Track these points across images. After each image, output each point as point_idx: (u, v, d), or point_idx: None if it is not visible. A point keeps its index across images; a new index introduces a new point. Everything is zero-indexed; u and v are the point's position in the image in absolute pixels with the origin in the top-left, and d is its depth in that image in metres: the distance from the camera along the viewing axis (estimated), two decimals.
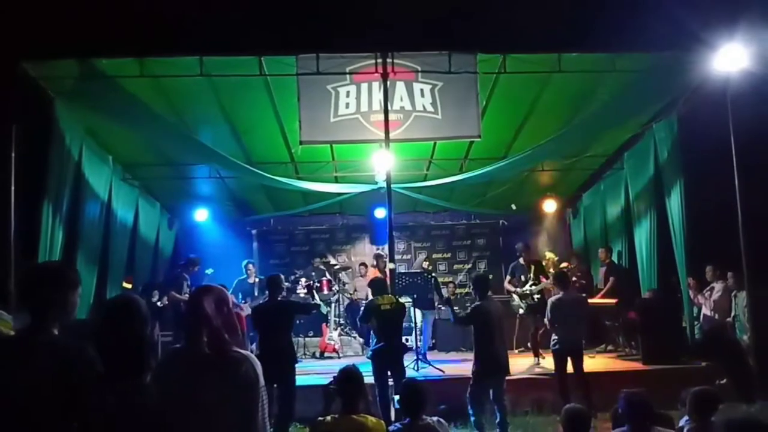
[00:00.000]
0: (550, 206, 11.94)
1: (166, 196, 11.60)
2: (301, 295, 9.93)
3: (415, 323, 9.45)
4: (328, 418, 3.73)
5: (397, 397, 4.47)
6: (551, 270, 9.36)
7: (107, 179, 9.19)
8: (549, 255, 10.01)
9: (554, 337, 7.02)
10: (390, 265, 8.40)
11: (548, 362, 8.33)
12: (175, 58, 7.01)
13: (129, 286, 9.96)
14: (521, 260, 9.55)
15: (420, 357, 8.59)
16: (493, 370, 6.11)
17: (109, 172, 9.24)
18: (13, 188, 6.75)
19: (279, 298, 6.41)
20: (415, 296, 8.69)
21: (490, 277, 12.55)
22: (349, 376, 3.88)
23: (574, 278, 9.70)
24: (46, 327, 2.36)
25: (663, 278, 9.32)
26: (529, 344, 9.31)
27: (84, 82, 7.00)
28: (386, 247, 9.84)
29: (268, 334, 6.10)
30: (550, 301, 7.23)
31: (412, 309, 9.32)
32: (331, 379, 3.94)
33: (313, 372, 8.04)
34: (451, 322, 7.27)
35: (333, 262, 12.06)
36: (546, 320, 7.30)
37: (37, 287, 2.43)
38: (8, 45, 6.24)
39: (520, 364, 8.36)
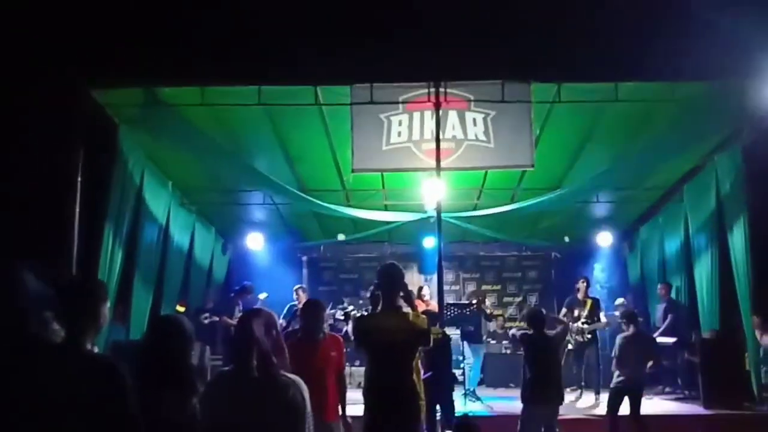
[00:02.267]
0: (605, 239, 11.63)
1: (220, 222, 11.88)
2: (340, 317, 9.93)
3: (464, 356, 9.31)
4: (369, 314, 4.08)
5: None
6: None
7: (166, 204, 9.48)
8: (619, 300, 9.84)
9: (617, 374, 6.83)
10: (426, 298, 8.26)
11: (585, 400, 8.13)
12: (234, 88, 7.23)
13: (182, 309, 10.17)
14: (579, 295, 9.31)
15: (468, 392, 8.41)
16: (541, 398, 5.91)
17: (168, 197, 9.53)
18: (77, 211, 7.02)
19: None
20: (463, 328, 8.57)
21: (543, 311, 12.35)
22: (386, 272, 4.21)
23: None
24: (81, 341, 2.40)
25: (725, 317, 8.87)
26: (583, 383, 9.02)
27: (147, 110, 7.29)
28: (434, 277, 9.79)
29: None
30: (619, 337, 7.04)
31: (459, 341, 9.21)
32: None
33: (359, 402, 7.95)
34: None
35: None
36: (612, 357, 7.10)
37: (69, 301, 2.48)
38: (78, 72, 6.55)
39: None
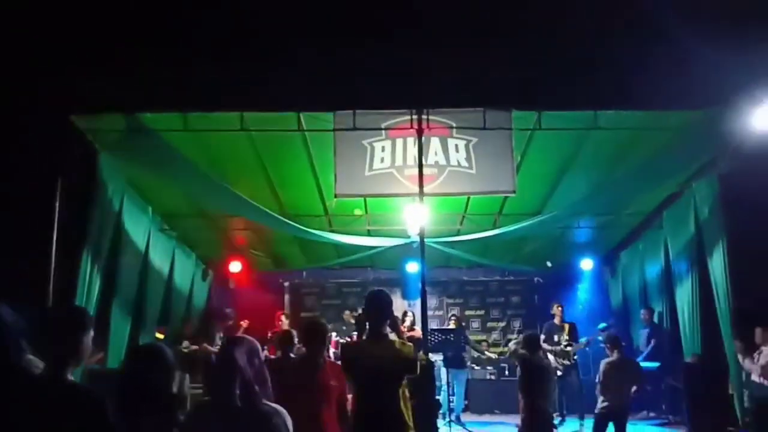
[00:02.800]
0: (586, 264, 11.71)
1: (201, 247, 11.75)
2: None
3: (448, 382, 9.24)
4: (357, 341, 3.98)
5: None
6: None
7: (146, 229, 9.37)
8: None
9: (601, 399, 6.82)
10: (408, 324, 8.23)
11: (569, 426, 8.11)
12: (217, 113, 7.21)
13: (161, 336, 9.99)
14: (556, 320, 9.35)
15: (453, 418, 8.33)
16: (531, 421, 5.89)
17: (148, 223, 9.43)
18: (55, 237, 6.91)
19: (293, 354, 6.37)
20: (448, 354, 8.53)
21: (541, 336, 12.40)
22: (374, 298, 4.09)
23: None
24: (62, 372, 2.34)
25: (707, 341, 8.93)
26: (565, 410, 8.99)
27: (128, 136, 7.24)
28: (418, 302, 9.76)
29: None
30: (603, 362, 7.05)
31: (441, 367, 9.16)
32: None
33: None
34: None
35: None
36: (597, 382, 7.09)
37: (50, 331, 2.43)
38: (59, 99, 6.50)
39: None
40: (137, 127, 7.21)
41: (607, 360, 7.04)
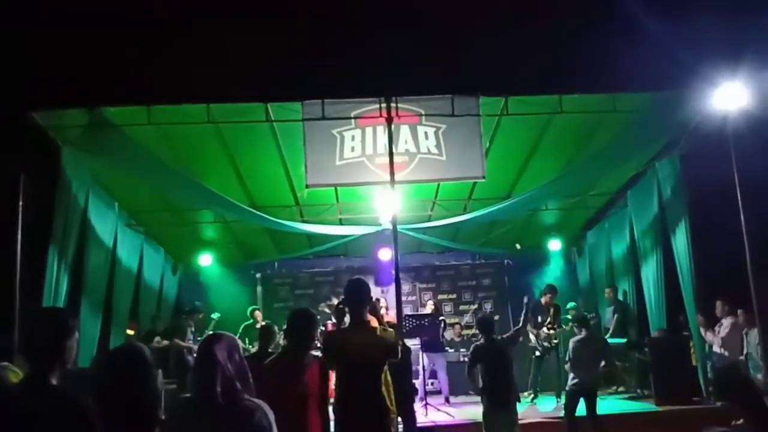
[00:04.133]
0: (554, 245, 11.92)
1: (170, 242, 11.60)
2: None
3: (423, 367, 9.37)
4: (339, 329, 3.99)
5: None
6: None
7: (113, 226, 9.20)
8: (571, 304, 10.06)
9: (571, 377, 6.98)
10: (383, 312, 8.35)
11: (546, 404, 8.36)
12: (182, 106, 7.10)
13: (132, 332, 9.87)
14: (543, 300, 9.45)
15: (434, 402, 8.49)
16: (499, 402, 5.99)
17: (114, 219, 9.26)
18: (20, 235, 6.75)
19: (270, 350, 6.38)
20: (424, 339, 8.63)
21: (496, 318, 12.53)
22: (354, 287, 4.14)
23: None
24: (45, 377, 2.31)
25: (672, 316, 9.23)
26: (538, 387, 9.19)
27: (91, 131, 7.08)
28: (391, 288, 9.82)
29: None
30: (571, 341, 7.20)
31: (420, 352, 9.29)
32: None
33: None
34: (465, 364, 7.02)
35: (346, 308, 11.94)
36: (567, 360, 7.26)
37: (34, 335, 2.39)
38: (17, 95, 6.34)
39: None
40: (100, 121, 7.07)
41: (575, 338, 7.20)
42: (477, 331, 10.29)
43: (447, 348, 10.16)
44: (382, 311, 9.59)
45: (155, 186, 8.78)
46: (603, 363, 7.43)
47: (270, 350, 6.26)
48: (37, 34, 5.95)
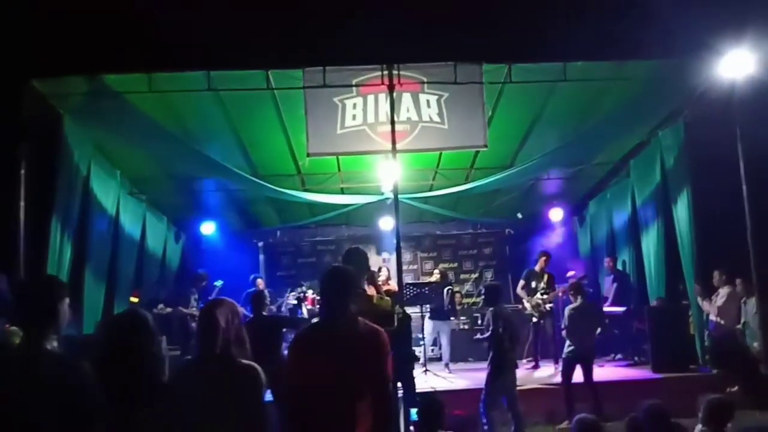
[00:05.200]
0: (556, 214, 11.95)
1: (173, 210, 11.64)
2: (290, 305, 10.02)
3: (423, 335, 9.51)
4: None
5: (414, 410, 4.52)
6: None
7: (115, 194, 9.22)
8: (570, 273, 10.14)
9: (568, 344, 7.08)
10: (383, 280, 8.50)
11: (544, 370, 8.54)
12: (182, 73, 7.04)
13: (136, 300, 9.97)
14: (537, 267, 9.54)
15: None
16: (507, 368, 6.14)
17: (117, 187, 9.28)
18: (22, 205, 6.77)
19: (264, 313, 6.47)
20: (432, 307, 8.80)
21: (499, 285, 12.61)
22: (351, 255, 4.14)
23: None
24: (42, 341, 2.36)
25: (671, 286, 9.29)
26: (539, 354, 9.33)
27: (92, 99, 7.04)
28: (392, 257, 9.87)
29: (254, 352, 6.03)
30: (567, 308, 7.29)
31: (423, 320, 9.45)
32: None
33: None
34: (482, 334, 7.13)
35: None
36: (563, 328, 7.36)
37: (28, 301, 2.44)
38: (17, 63, 6.28)
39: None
40: (101, 89, 7.02)
41: (571, 306, 7.29)
42: (480, 299, 10.43)
43: (452, 317, 10.25)
44: (383, 277, 9.71)
45: (157, 155, 8.78)
46: (599, 330, 7.52)
47: (265, 314, 6.38)
48: (36, 1, 5.87)
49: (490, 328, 6.38)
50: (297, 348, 2.87)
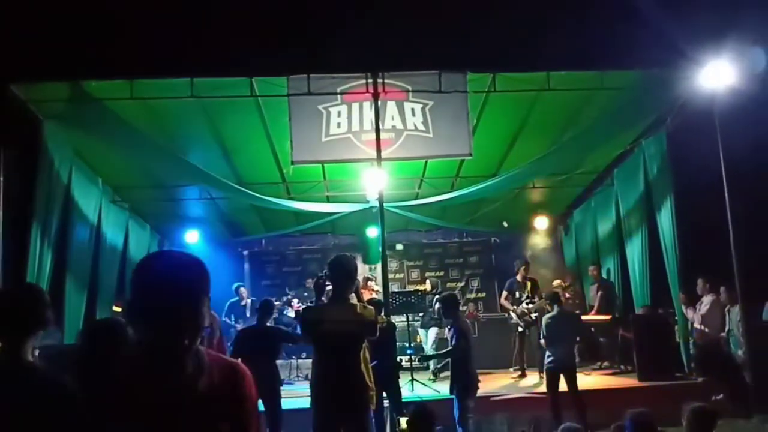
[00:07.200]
0: (541, 223, 11.97)
1: (156, 218, 11.52)
2: (291, 316, 9.91)
3: (414, 341, 9.47)
4: (318, 304, 4.02)
5: (403, 419, 4.48)
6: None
7: (97, 202, 9.11)
8: (556, 282, 10.09)
9: (548, 355, 7.01)
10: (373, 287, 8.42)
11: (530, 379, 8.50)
12: (165, 80, 6.99)
13: (119, 309, 9.83)
14: (518, 277, 9.53)
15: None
16: (473, 387, 6.08)
17: (98, 195, 9.17)
18: (0, 212, 6.67)
19: (268, 324, 6.43)
20: (420, 315, 8.77)
21: (482, 294, 12.62)
22: (340, 263, 4.15)
23: (568, 296, 9.75)
24: (21, 353, 2.28)
25: (656, 294, 9.32)
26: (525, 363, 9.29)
27: (73, 105, 6.97)
28: (378, 266, 9.82)
29: (250, 357, 5.97)
30: (544, 319, 7.23)
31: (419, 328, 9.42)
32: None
33: (305, 395, 7.91)
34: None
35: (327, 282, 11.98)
36: (541, 339, 7.29)
37: (6, 310, 2.36)
38: None
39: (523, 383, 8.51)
40: (81, 95, 6.95)
41: (547, 315, 7.21)
42: (464, 309, 10.41)
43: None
44: (372, 286, 9.67)
45: (139, 161, 8.68)
46: (578, 339, 7.44)
47: (268, 324, 6.35)
48: (16, 4, 5.80)
49: (454, 345, 6.12)
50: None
